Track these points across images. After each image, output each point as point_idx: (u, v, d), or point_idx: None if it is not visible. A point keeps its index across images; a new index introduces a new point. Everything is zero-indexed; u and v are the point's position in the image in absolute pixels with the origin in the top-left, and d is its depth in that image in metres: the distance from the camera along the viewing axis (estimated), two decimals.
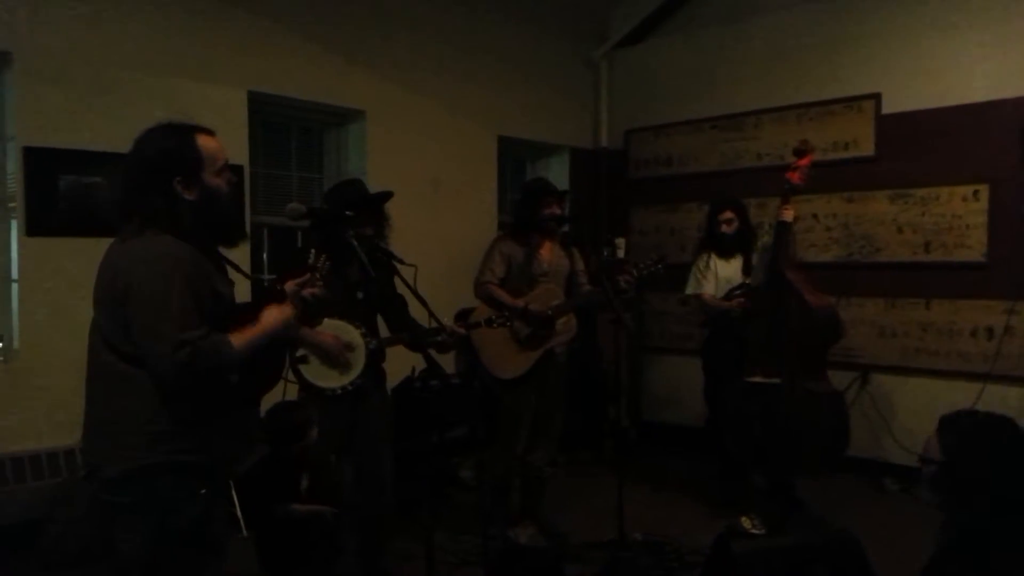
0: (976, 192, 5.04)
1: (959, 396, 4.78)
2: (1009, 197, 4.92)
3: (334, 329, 3.31)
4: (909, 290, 5.31)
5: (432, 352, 3.18)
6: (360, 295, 3.44)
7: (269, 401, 2.82)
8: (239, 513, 3.63)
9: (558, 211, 4.20)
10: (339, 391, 3.31)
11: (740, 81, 6.06)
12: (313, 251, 2.46)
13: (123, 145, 2.16)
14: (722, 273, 4.76)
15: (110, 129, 3.98)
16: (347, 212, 3.04)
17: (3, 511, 3.80)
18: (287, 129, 5.30)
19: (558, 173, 6.70)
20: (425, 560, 2.97)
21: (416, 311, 3.21)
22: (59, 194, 4.05)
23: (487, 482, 4.24)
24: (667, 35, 6.63)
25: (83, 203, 4.08)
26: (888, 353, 5.40)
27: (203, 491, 2.08)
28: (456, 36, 5.79)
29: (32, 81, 3.98)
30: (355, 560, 3.51)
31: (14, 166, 4.01)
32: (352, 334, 3.35)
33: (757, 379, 4.26)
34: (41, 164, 3.99)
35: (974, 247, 5.05)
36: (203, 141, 2.11)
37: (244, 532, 3.57)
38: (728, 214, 4.77)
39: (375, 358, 3.43)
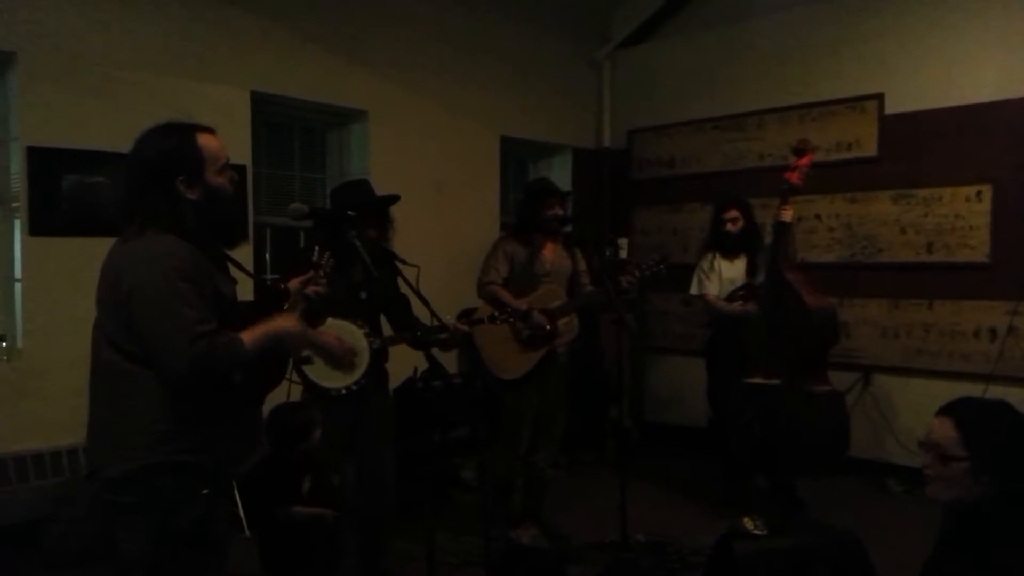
0: (979, 193, 5.03)
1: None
2: (1012, 198, 4.91)
3: (337, 329, 3.31)
4: (912, 291, 5.30)
5: (434, 352, 3.18)
6: (363, 295, 3.45)
7: (272, 402, 2.82)
8: (241, 513, 3.63)
9: (560, 212, 4.20)
10: (343, 391, 3.31)
11: (742, 81, 6.05)
12: (317, 249, 2.47)
13: (126, 145, 2.16)
14: (726, 274, 4.75)
15: (113, 129, 3.99)
16: (349, 213, 3.04)
17: (6, 510, 3.80)
18: (290, 129, 5.30)
19: (560, 173, 6.70)
20: (426, 561, 2.98)
21: (419, 311, 3.20)
22: (62, 194, 4.05)
23: (489, 483, 4.24)
24: (669, 36, 6.63)
25: (86, 203, 4.08)
26: (891, 354, 5.40)
27: (205, 491, 2.08)
28: (459, 36, 5.79)
29: (35, 81, 3.99)
30: (356, 560, 3.51)
31: (17, 166, 4.02)
32: (356, 334, 3.34)
33: (757, 380, 4.26)
34: (44, 164, 4.00)
35: (977, 248, 5.04)
36: (204, 140, 2.11)
37: (247, 532, 3.57)
38: (733, 213, 4.76)
39: (378, 358, 3.43)
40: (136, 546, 2.04)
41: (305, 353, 3.24)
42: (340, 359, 3.29)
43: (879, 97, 5.40)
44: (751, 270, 4.67)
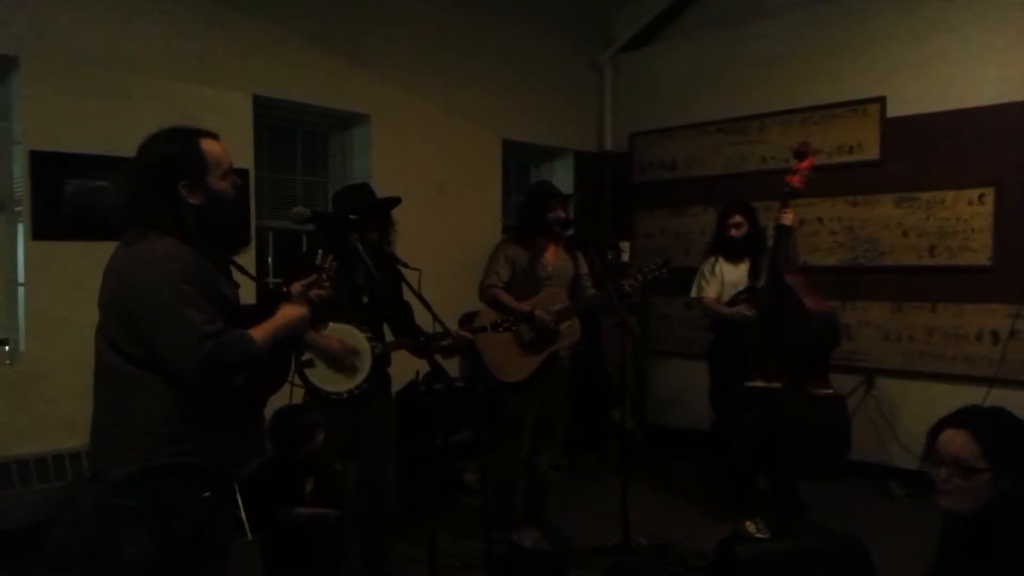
0: (982, 196, 5.02)
1: (964, 400, 4.64)
2: (1014, 200, 4.91)
3: (340, 333, 3.31)
4: (914, 294, 5.30)
5: (437, 356, 3.18)
6: (365, 299, 3.45)
7: (275, 404, 2.83)
8: (243, 516, 3.63)
9: (562, 215, 4.21)
10: (345, 395, 3.31)
11: (744, 84, 6.06)
12: (320, 252, 2.47)
13: (129, 149, 2.17)
14: (729, 277, 4.74)
15: (116, 133, 4.00)
16: (351, 216, 3.05)
17: (9, 514, 3.81)
18: (292, 133, 5.32)
19: (562, 176, 6.71)
20: (429, 564, 2.97)
21: (420, 315, 3.21)
22: (65, 198, 4.07)
23: (491, 485, 4.23)
24: (671, 39, 6.63)
25: (89, 207, 4.09)
26: (893, 357, 5.39)
27: (207, 494, 2.08)
28: (461, 40, 5.80)
29: (39, 85, 4.00)
30: (358, 563, 3.51)
31: (20, 170, 4.03)
32: (358, 338, 3.35)
33: (757, 383, 4.25)
34: (47, 168, 4.01)
35: (979, 251, 5.04)
36: (208, 145, 2.12)
37: (249, 535, 3.57)
38: (737, 218, 4.76)
39: (380, 362, 3.43)
40: (138, 549, 2.05)
41: (307, 356, 3.24)
42: (342, 360, 3.29)
43: (881, 100, 5.40)
44: (754, 273, 4.67)
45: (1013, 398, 4.79)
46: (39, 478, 3.96)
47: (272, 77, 4.81)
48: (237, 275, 2.29)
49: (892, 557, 3.19)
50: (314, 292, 2.36)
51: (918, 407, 5.16)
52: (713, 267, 4.80)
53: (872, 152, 5.45)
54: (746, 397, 4.28)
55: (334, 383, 3.31)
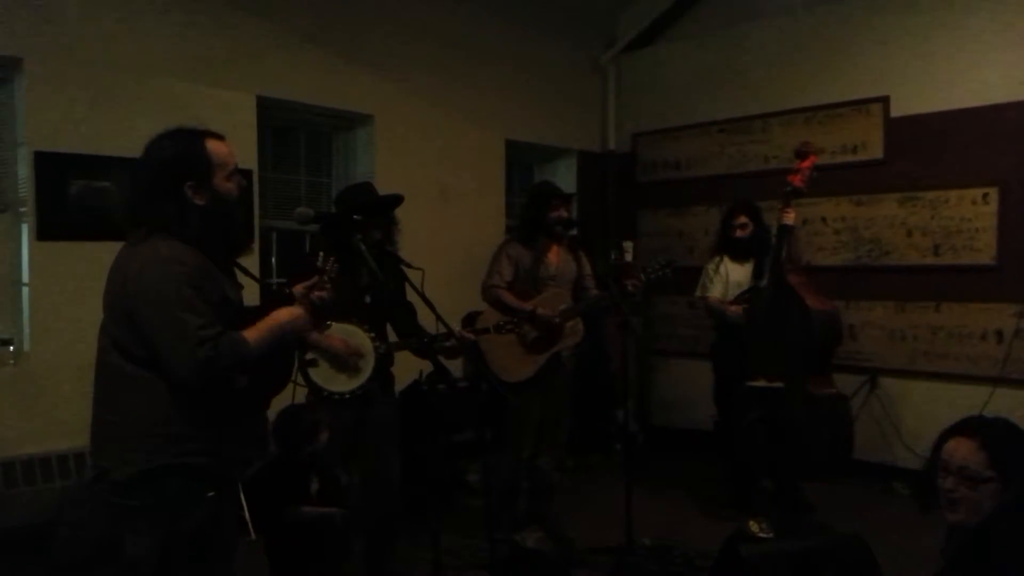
0: (986, 195, 5.01)
1: (968, 400, 4.75)
2: (1019, 200, 4.89)
3: (343, 333, 3.31)
4: (918, 293, 5.29)
5: (440, 356, 3.18)
6: (368, 299, 3.45)
7: (278, 404, 2.83)
8: (247, 516, 3.64)
9: (565, 215, 4.21)
10: (348, 395, 3.31)
11: (747, 84, 6.05)
12: (321, 254, 2.48)
13: (132, 149, 2.17)
14: (733, 277, 4.74)
15: (119, 134, 4.01)
16: (355, 216, 3.05)
17: (13, 513, 3.81)
18: (296, 133, 5.32)
19: (565, 176, 6.71)
20: (432, 564, 2.98)
21: (424, 315, 3.21)
22: (69, 199, 4.07)
23: (494, 486, 4.24)
24: (674, 39, 6.63)
25: (93, 208, 4.09)
26: (897, 356, 5.38)
27: (211, 494, 2.09)
28: (463, 40, 5.80)
29: (43, 86, 4.00)
30: (361, 563, 3.52)
31: (25, 171, 4.03)
32: (361, 338, 3.35)
33: (759, 383, 4.25)
34: (52, 169, 4.02)
35: (984, 250, 5.03)
36: (213, 146, 2.13)
37: (252, 535, 3.58)
38: (742, 218, 4.75)
39: (383, 362, 3.43)
40: (142, 549, 2.05)
41: (310, 356, 3.25)
42: (345, 360, 3.30)
43: (884, 100, 5.39)
44: (757, 273, 4.67)
45: (1017, 397, 4.79)
46: (43, 478, 3.96)
47: (276, 78, 4.82)
48: (240, 276, 2.29)
49: (896, 557, 3.19)
50: (315, 294, 2.37)
51: (922, 407, 5.16)
52: (718, 267, 4.80)
53: (876, 151, 5.45)
54: (748, 397, 4.28)
55: (337, 383, 3.31)
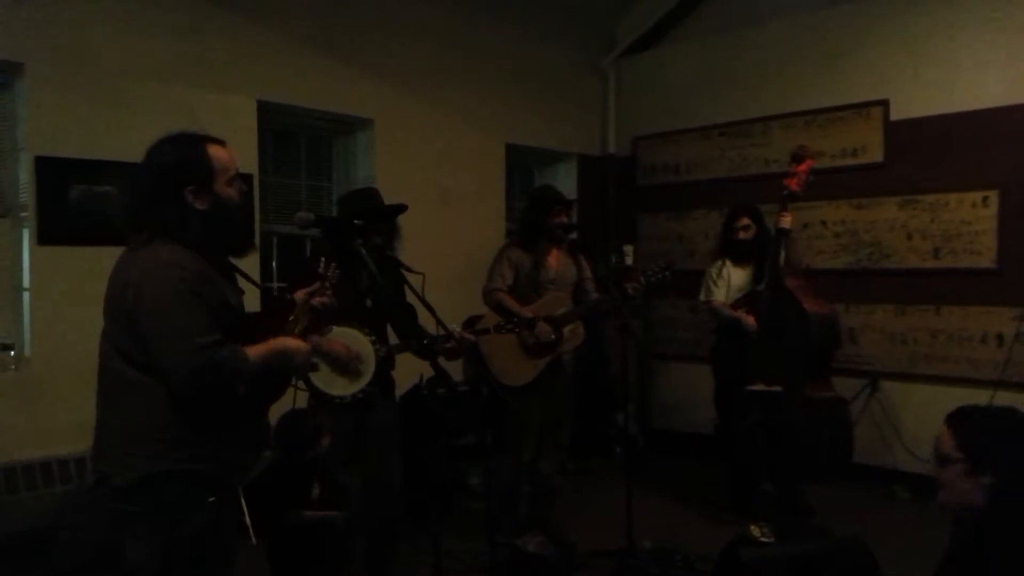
0: (986, 198, 5.02)
1: (969, 403, 4.74)
2: (1018, 203, 4.90)
3: (344, 336, 3.32)
4: (918, 296, 5.29)
5: (440, 360, 3.19)
6: (369, 303, 3.45)
7: (280, 408, 2.83)
8: (248, 521, 3.64)
9: (565, 219, 4.22)
10: (349, 399, 3.32)
11: (748, 88, 6.06)
12: (323, 260, 2.48)
13: (133, 154, 2.18)
14: (735, 281, 4.74)
15: (121, 138, 4.01)
16: (355, 221, 3.05)
17: (14, 518, 3.81)
18: (296, 137, 5.33)
19: (566, 180, 6.71)
20: (432, 567, 2.98)
21: (424, 319, 3.21)
22: (70, 203, 4.08)
23: (495, 489, 4.24)
24: (674, 42, 6.64)
25: (94, 212, 4.10)
26: (897, 360, 5.38)
27: (212, 499, 2.09)
28: (464, 44, 5.81)
29: (44, 91, 4.01)
30: (363, 567, 3.51)
31: (26, 175, 4.04)
32: (362, 342, 3.35)
33: (758, 387, 4.25)
34: (53, 173, 4.02)
35: (984, 253, 5.03)
36: (214, 151, 2.13)
37: (253, 540, 3.57)
38: (744, 220, 4.75)
39: (384, 366, 3.43)
40: (143, 554, 2.05)
41: (312, 359, 3.25)
42: (346, 364, 3.30)
43: (884, 103, 5.40)
44: (757, 276, 4.67)
45: (1018, 401, 4.73)
46: (44, 483, 3.96)
47: (276, 82, 4.83)
48: (241, 281, 2.29)
49: (897, 561, 3.19)
50: (316, 300, 2.37)
51: (922, 410, 5.15)
52: (720, 270, 4.80)
53: (876, 155, 5.45)
54: (747, 400, 4.28)
55: (338, 387, 3.31)
